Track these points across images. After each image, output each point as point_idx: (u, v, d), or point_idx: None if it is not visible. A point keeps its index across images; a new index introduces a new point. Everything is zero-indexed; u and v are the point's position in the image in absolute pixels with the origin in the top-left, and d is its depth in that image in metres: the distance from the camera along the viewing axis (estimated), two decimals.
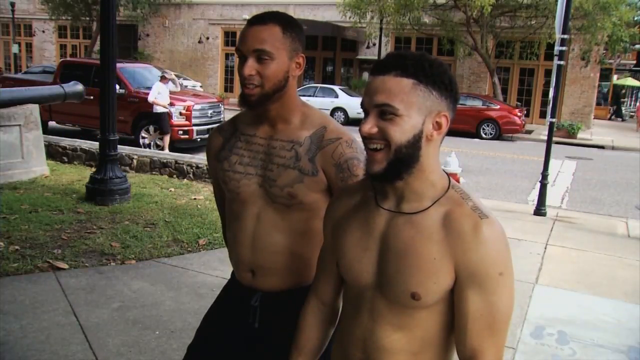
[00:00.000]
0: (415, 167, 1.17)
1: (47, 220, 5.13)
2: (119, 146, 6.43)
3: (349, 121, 17.74)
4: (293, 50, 1.51)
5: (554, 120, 7.11)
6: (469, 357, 1.20)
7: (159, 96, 9.78)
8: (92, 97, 9.10)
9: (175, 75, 12.56)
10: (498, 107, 17.09)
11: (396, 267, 1.19)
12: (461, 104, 15.66)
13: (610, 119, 28.63)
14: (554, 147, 7.40)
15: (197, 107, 10.67)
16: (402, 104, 1.13)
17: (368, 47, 22.94)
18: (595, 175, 11.03)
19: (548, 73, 19.01)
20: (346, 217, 1.32)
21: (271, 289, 1.63)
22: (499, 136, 16.70)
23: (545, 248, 5.56)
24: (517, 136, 17.19)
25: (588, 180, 10.44)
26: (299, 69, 1.54)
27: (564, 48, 6.90)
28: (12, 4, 27.33)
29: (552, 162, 7.54)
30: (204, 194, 6.65)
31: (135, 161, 7.84)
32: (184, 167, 7.57)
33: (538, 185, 7.21)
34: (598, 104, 25.77)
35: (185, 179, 7.44)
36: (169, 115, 10.02)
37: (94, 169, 6.60)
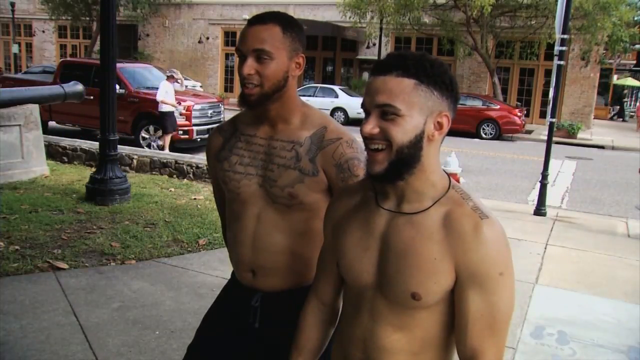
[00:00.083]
0: (416, 167, 1.17)
1: (47, 220, 5.13)
2: (119, 146, 6.43)
3: (349, 121, 17.74)
4: (293, 50, 1.51)
5: (554, 120, 7.11)
6: (470, 357, 1.19)
7: (167, 95, 9.78)
8: (92, 97, 9.09)
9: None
10: (498, 107, 17.10)
11: (396, 267, 1.19)
12: (461, 104, 15.65)
13: (612, 118, 28.63)
14: (554, 147, 7.40)
15: (197, 107, 10.67)
16: (403, 104, 1.13)
17: (368, 47, 22.94)
18: (595, 175, 11.03)
19: (548, 73, 19.01)
20: (346, 217, 1.32)
21: (271, 289, 1.63)
22: (499, 136, 16.71)
23: (545, 248, 5.56)
24: (517, 136, 17.19)
25: (588, 180, 10.44)
26: (298, 69, 1.54)
27: (564, 48, 6.90)
28: (12, 4, 27.33)
29: (552, 162, 7.55)
30: (204, 194, 6.65)
31: (135, 161, 7.84)
32: (184, 167, 7.57)
33: (538, 185, 7.22)
34: (606, 104, 25.78)
35: (185, 179, 7.44)
36: (177, 113, 10.04)
37: (94, 169, 6.60)
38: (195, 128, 10.49)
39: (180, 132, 10.29)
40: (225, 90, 24.70)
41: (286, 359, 1.48)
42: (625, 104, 30.76)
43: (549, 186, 7.13)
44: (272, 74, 1.48)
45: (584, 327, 3.79)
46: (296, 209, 1.56)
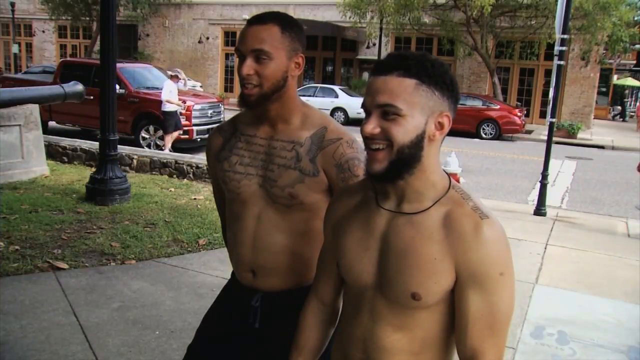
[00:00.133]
0: (417, 167, 1.17)
1: (47, 220, 5.13)
2: (119, 146, 6.43)
3: (349, 121, 17.74)
4: (292, 50, 1.51)
5: (554, 120, 7.11)
6: (470, 357, 1.19)
7: (171, 94, 9.79)
8: (92, 97, 9.09)
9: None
10: (498, 107, 17.10)
11: (396, 267, 1.19)
12: (461, 104, 15.64)
13: (613, 119, 28.62)
14: (554, 147, 7.40)
15: (197, 107, 10.68)
16: (405, 104, 1.13)
17: (368, 47, 22.94)
18: (595, 175, 11.03)
19: (548, 73, 19.01)
20: (346, 217, 1.32)
21: (272, 289, 1.63)
22: (499, 136, 16.71)
23: (545, 248, 5.56)
24: (517, 136, 17.19)
25: (588, 180, 10.44)
26: (298, 69, 1.54)
27: (564, 48, 6.90)
28: (12, 4, 27.33)
29: (552, 162, 7.54)
30: (204, 194, 6.65)
31: (135, 161, 7.84)
32: (184, 167, 7.57)
33: (538, 185, 7.21)
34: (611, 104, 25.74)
35: (185, 179, 7.44)
36: (179, 113, 10.04)
37: (94, 169, 6.60)
38: (195, 128, 10.50)
39: (180, 132, 10.30)
40: (225, 90, 24.70)
41: (286, 359, 1.48)
42: (626, 104, 30.77)
43: (549, 186, 7.13)
44: (271, 74, 1.48)
45: (584, 327, 3.79)
46: (296, 209, 1.56)
